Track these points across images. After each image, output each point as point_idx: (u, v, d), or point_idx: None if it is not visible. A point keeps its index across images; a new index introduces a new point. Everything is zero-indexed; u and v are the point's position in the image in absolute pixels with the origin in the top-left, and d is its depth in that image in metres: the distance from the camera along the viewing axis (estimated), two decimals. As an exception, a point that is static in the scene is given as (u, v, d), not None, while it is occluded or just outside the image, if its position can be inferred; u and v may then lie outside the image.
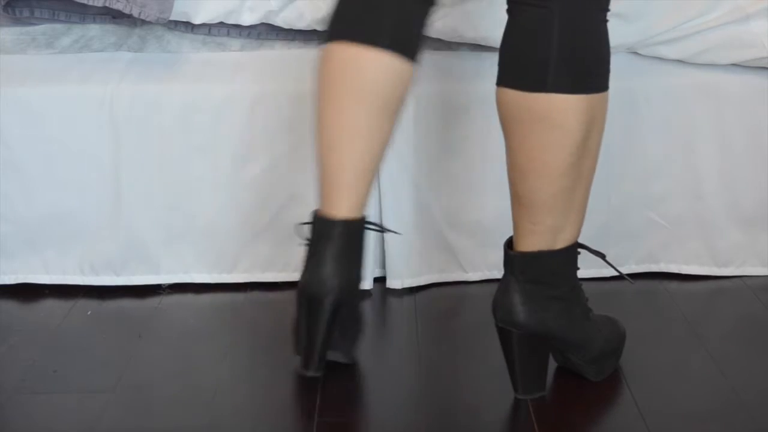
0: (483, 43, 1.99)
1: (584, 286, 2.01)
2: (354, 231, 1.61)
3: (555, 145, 1.54)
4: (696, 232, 2.04)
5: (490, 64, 1.98)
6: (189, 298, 1.99)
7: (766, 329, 1.85)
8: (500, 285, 1.61)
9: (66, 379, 1.70)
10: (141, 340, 1.82)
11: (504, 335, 1.60)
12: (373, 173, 1.62)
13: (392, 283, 2.02)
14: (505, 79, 1.56)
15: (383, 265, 2.03)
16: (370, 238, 1.98)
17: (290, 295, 1.91)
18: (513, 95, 1.54)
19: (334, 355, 1.69)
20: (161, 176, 1.99)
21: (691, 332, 1.83)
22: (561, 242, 1.59)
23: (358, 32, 1.57)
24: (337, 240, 1.59)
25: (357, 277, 1.63)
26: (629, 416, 1.58)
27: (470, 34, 1.97)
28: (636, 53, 2.02)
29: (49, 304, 1.97)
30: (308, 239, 1.62)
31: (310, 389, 1.66)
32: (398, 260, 2.00)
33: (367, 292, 1.99)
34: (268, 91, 1.97)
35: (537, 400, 1.61)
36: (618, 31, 1.97)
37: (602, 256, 1.67)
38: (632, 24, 1.97)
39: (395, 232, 1.84)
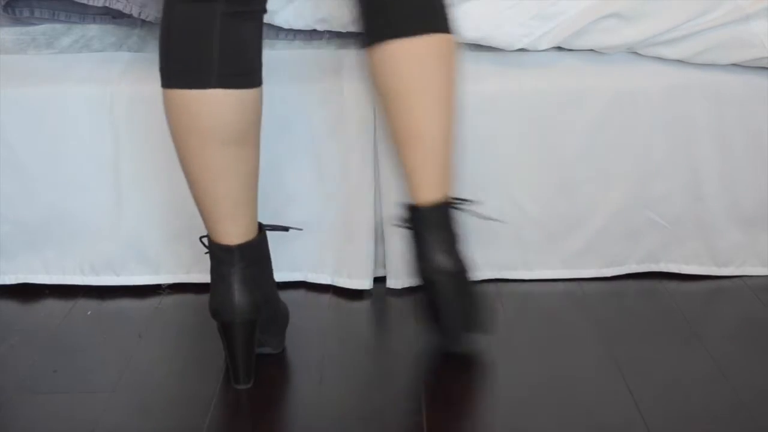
0: (483, 43, 1.99)
1: (584, 285, 2.02)
2: (252, 251, 1.65)
3: (448, 73, 1.66)
4: (696, 232, 2.04)
5: (490, 65, 2.00)
6: (189, 298, 1.99)
7: (766, 329, 1.85)
8: (428, 244, 1.67)
9: (66, 379, 1.70)
10: (141, 340, 1.82)
11: (437, 287, 1.67)
12: (250, 196, 1.65)
13: (392, 283, 2.02)
14: (390, 33, 1.63)
15: (383, 265, 2.03)
16: (371, 238, 1.98)
17: (289, 295, 1.92)
18: (406, 42, 1.63)
19: (263, 350, 1.74)
20: (161, 176, 1.99)
21: (691, 332, 1.83)
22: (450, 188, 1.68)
23: (189, 78, 1.58)
24: (238, 265, 1.63)
25: (267, 289, 1.69)
26: (629, 416, 1.58)
27: (470, 34, 1.97)
28: (636, 53, 2.02)
29: (49, 304, 1.97)
30: (211, 263, 1.65)
31: (310, 389, 1.66)
32: (398, 260, 2.01)
33: (367, 292, 2.00)
34: (267, 91, 1.97)
35: (539, 401, 1.61)
36: (618, 31, 1.98)
37: (469, 203, 1.73)
38: (632, 24, 1.97)
39: (298, 229, 1.86)
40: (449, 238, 1.66)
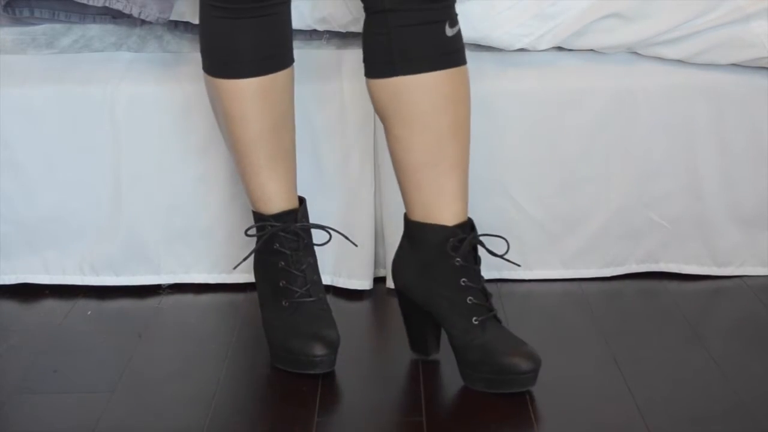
0: (483, 43, 1.99)
1: (584, 285, 2.02)
2: None
3: (460, 106, 1.73)
4: (696, 232, 2.04)
5: (490, 64, 2.00)
6: (189, 298, 1.99)
7: (766, 329, 1.85)
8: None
9: (66, 379, 1.70)
10: (141, 340, 1.82)
11: None
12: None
13: (392, 283, 2.01)
14: (401, 69, 1.66)
15: (383, 265, 2.03)
16: (371, 238, 1.99)
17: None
18: (417, 78, 1.66)
19: None
20: (161, 176, 1.99)
21: (691, 332, 1.83)
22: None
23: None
24: None
25: None
26: (629, 416, 1.58)
27: (470, 34, 1.97)
28: (636, 53, 2.02)
29: (49, 304, 1.97)
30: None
31: (310, 389, 1.66)
32: (398, 260, 2.00)
33: (367, 292, 2.00)
34: (268, 91, 1.97)
35: (539, 401, 1.61)
36: (618, 31, 1.98)
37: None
38: (632, 24, 1.97)
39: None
40: None
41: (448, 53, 1.67)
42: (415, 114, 1.66)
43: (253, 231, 1.77)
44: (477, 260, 1.69)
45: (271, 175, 1.75)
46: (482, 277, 1.68)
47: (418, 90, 1.65)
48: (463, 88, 1.69)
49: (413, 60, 1.64)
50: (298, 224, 1.75)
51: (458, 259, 1.66)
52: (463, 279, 1.66)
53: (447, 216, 1.67)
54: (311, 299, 1.73)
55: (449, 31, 1.66)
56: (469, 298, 1.66)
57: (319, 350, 1.67)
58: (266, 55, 1.71)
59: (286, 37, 1.75)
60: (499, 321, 1.68)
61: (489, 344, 1.64)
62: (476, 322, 1.65)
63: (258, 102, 1.71)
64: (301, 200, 1.79)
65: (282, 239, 1.74)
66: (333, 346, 1.69)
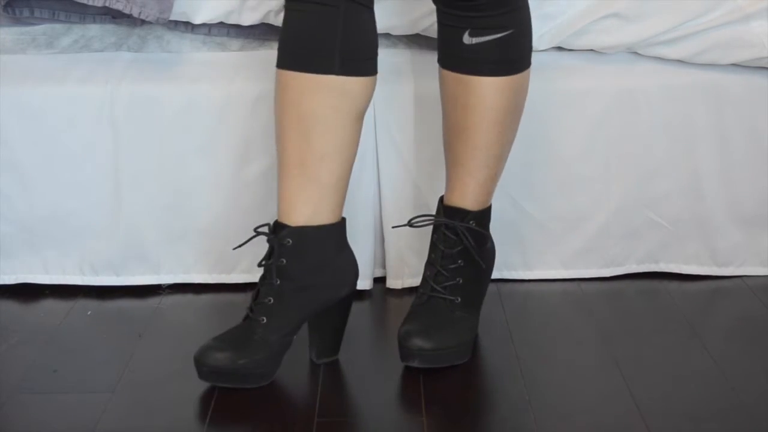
0: (483, 43, 1.99)
1: (584, 285, 2.02)
2: None
3: (517, 108, 1.82)
4: (696, 232, 2.04)
5: (490, 64, 1.99)
6: (189, 298, 1.99)
7: (766, 329, 1.86)
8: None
9: (66, 379, 1.70)
10: (141, 340, 1.82)
11: None
12: None
13: (392, 283, 2.02)
14: (473, 70, 1.75)
15: (383, 265, 2.03)
16: (371, 238, 1.99)
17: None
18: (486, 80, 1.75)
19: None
20: (161, 176, 1.99)
21: (691, 332, 1.84)
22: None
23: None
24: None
25: None
26: (629, 416, 1.58)
27: (470, 34, 1.97)
28: (636, 53, 2.02)
29: (49, 304, 1.97)
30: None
31: (310, 389, 1.66)
32: (398, 260, 2.01)
33: (367, 292, 2.00)
34: (268, 91, 1.97)
35: (539, 401, 1.61)
36: (618, 31, 1.98)
37: None
38: (632, 24, 1.97)
39: None
40: None
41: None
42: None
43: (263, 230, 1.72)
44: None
45: (283, 177, 1.69)
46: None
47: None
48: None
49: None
50: (275, 236, 1.68)
51: None
52: None
53: None
54: (248, 317, 1.70)
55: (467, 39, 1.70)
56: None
57: (209, 359, 1.66)
58: (299, 55, 1.68)
59: (332, 44, 1.67)
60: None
61: None
62: None
63: (276, 93, 1.70)
64: (319, 228, 1.68)
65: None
66: (217, 370, 1.65)
